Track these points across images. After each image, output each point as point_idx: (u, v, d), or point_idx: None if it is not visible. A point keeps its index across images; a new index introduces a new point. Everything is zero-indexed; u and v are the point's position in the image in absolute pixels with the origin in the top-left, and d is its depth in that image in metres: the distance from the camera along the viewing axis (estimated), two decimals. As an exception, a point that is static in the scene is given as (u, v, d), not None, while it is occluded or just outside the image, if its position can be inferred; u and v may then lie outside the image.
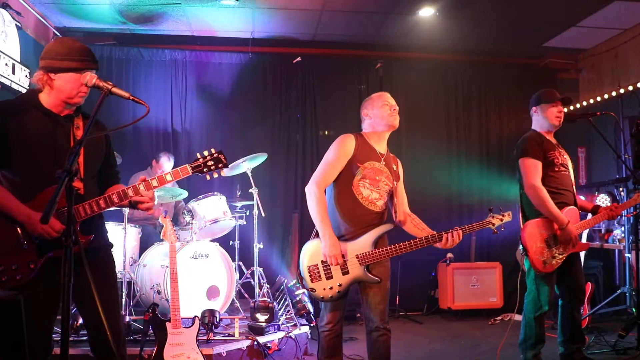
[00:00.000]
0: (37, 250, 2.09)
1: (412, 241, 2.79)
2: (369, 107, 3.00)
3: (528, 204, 3.35)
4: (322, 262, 2.80)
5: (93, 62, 2.19)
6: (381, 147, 2.99)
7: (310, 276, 2.81)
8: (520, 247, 3.32)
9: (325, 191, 2.92)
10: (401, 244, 2.77)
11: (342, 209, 2.88)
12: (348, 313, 5.25)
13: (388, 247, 2.78)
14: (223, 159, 2.39)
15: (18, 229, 2.08)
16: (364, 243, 2.80)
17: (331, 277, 2.78)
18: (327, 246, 2.74)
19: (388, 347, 2.85)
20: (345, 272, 2.78)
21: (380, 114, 2.95)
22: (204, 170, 2.36)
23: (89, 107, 2.21)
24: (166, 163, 5.29)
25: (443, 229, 2.84)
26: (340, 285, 2.78)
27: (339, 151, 2.90)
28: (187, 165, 2.34)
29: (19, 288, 2.04)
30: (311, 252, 2.84)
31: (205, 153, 2.38)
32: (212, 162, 2.37)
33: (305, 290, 4.79)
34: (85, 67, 2.15)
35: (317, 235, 2.86)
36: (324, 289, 2.79)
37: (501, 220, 2.86)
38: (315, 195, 2.82)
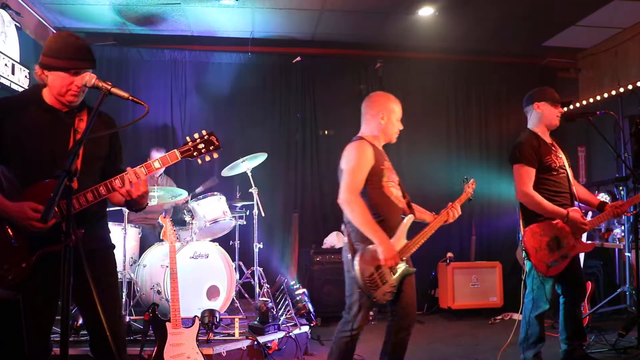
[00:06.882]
0: (28, 248, 2.04)
1: (428, 228, 2.93)
2: (387, 111, 2.94)
3: (526, 207, 3.34)
4: (376, 269, 2.72)
5: (83, 61, 2.12)
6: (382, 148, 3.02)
7: (370, 288, 2.72)
8: (523, 252, 3.31)
9: None
10: (422, 231, 2.90)
11: (381, 213, 2.81)
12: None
13: (415, 237, 2.85)
14: (215, 141, 2.27)
15: (7, 227, 2.04)
16: (398, 238, 2.81)
17: (386, 281, 2.75)
18: (387, 250, 2.68)
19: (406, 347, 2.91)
20: (394, 272, 2.77)
21: (392, 128, 2.97)
22: (194, 154, 2.24)
23: (92, 104, 2.19)
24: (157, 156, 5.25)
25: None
26: (394, 286, 2.77)
27: (364, 159, 2.82)
28: (175, 150, 2.23)
29: (16, 287, 2.00)
30: (363, 267, 2.72)
31: (196, 135, 2.27)
32: (203, 145, 2.25)
33: (305, 290, 4.81)
34: (73, 67, 2.10)
35: (352, 250, 2.76)
36: (384, 294, 2.74)
37: (472, 188, 3.25)
38: (358, 204, 2.73)
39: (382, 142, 3.00)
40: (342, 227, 2.90)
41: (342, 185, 2.80)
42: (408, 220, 2.89)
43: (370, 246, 2.72)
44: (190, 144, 2.26)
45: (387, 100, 2.99)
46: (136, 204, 2.25)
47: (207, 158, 2.28)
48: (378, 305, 2.88)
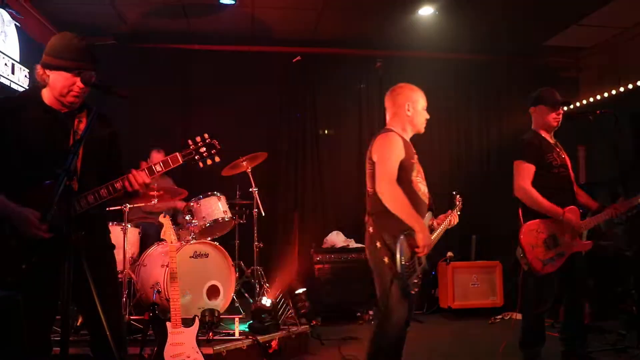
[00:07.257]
0: (28, 250, 2.03)
1: (438, 232, 2.98)
2: (412, 101, 2.94)
3: (525, 205, 3.35)
4: (411, 255, 2.72)
5: (86, 62, 2.13)
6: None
7: (407, 272, 2.70)
8: (519, 248, 3.31)
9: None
10: (433, 233, 2.92)
11: None
12: (348, 312, 5.25)
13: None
14: (217, 145, 2.27)
15: (7, 228, 2.03)
16: None
17: (415, 270, 2.77)
18: (426, 237, 2.70)
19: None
20: (420, 262, 2.80)
21: (420, 117, 2.96)
22: (196, 157, 2.24)
23: (92, 105, 2.18)
24: (157, 158, 5.24)
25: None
26: (419, 276, 2.80)
27: (395, 150, 2.80)
28: (177, 153, 2.22)
29: (16, 288, 1.97)
30: (403, 250, 2.69)
31: (198, 139, 2.26)
32: (205, 149, 2.24)
33: (305, 290, 4.80)
34: (76, 67, 2.10)
35: (381, 239, 2.75)
36: (413, 283, 2.76)
37: (458, 209, 3.20)
38: (397, 191, 2.70)
39: (410, 134, 2.98)
40: (366, 217, 2.87)
41: (378, 175, 2.77)
42: (428, 217, 2.91)
43: (408, 232, 2.70)
44: (192, 147, 2.25)
45: (410, 90, 2.99)
46: (136, 194, 2.24)
47: (209, 162, 2.27)
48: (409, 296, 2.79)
